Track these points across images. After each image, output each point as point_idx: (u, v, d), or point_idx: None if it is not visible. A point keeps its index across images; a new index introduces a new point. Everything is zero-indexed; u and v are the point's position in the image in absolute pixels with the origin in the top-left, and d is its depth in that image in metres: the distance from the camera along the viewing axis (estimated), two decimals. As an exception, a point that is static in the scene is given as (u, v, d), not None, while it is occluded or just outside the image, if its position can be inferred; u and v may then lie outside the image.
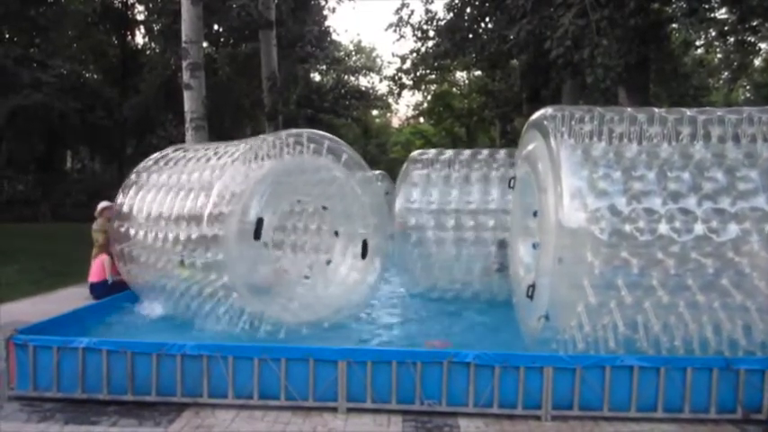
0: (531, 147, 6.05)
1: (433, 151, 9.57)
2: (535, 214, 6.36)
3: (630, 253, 5.09)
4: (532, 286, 5.64)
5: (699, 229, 5.10)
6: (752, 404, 4.88)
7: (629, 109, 5.81)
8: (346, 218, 7.54)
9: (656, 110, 5.71)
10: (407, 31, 20.41)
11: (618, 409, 4.86)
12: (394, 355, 5.05)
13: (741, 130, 5.41)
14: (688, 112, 5.60)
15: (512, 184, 6.92)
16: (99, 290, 8.55)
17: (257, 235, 6.47)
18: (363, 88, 29.18)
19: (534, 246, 6.40)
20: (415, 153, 9.71)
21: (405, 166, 9.36)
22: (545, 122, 5.58)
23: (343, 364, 4.94)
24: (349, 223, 7.55)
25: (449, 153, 9.34)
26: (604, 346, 5.14)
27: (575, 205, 5.12)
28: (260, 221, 6.55)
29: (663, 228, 5.10)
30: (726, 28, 16.71)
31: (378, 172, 15.24)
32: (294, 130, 6.94)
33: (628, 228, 5.10)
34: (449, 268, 8.63)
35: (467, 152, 9.31)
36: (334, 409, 4.95)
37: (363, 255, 7.26)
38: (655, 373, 4.85)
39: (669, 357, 4.98)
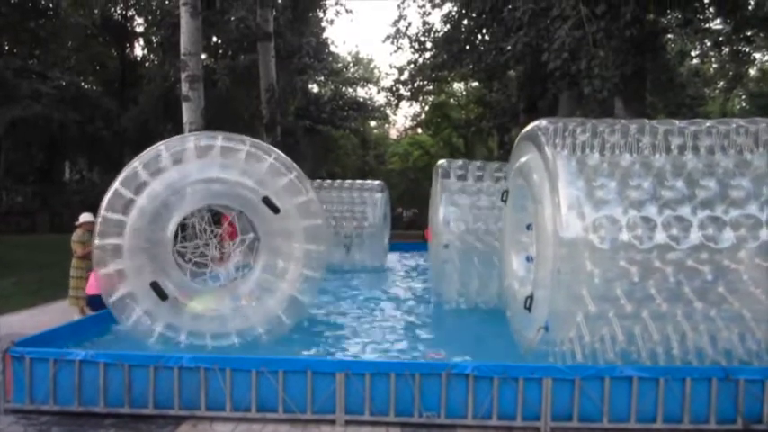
0: (524, 159, 6.06)
1: (460, 162, 9.53)
2: (528, 227, 6.36)
3: (629, 262, 5.11)
4: (530, 298, 5.63)
5: (695, 237, 5.14)
6: (752, 414, 4.87)
7: (621, 120, 5.86)
8: (265, 232, 6.77)
9: (648, 121, 5.77)
10: (405, 42, 20.47)
11: (617, 420, 4.85)
12: (392, 366, 5.04)
13: (730, 140, 5.47)
14: (679, 123, 5.68)
15: (504, 198, 6.88)
16: (99, 302, 8.40)
17: (162, 297, 6.22)
18: (361, 99, 29.26)
19: (528, 259, 6.40)
20: (443, 162, 9.55)
21: (438, 175, 9.24)
22: (539, 134, 5.61)
23: (341, 376, 4.93)
24: (267, 237, 6.77)
25: (477, 164, 9.36)
26: (603, 357, 5.14)
27: (572, 215, 5.14)
28: (154, 284, 6.23)
29: (660, 236, 5.13)
30: (720, 38, 16.85)
31: (377, 182, 15.22)
32: (210, 133, 6.65)
33: (626, 237, 5.13)
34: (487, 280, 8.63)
35: (494, 164, 9.37)
36: (333, 422, 4.93)
37: (275, 210, 6.46)
38: (654, 384, 4.84)
39: (668, 368, 4.98)
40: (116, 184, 6.28)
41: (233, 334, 6.46)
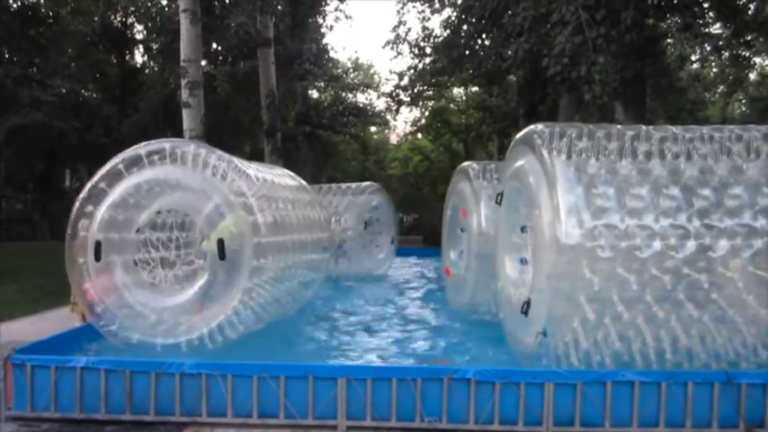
0: (519, 163, 6.05)
1: (486, 163, 9.23)
2: (523, 229, 6.37)
3: (627, 269, 5.13)
4: (527, 303, 5.62)
5: (691, 245, 5.19)
6: (754, 418, 4.86)
7: (618, 126, 5.89)
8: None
9: (644, 127, 5.80)
10: (404, 48, 20.45)
11: (620, 424, 4.84)
12: (394, 372, 5.03)
13: (723, 146, 5.51)
14: (674, 130, 5.71)
15: (498, 200, 6.87)
16: None
17: (97, 257, 6.19)
18: (361, 105, 29.23)
19: (522, 261, 6.39)
20: (473, 165, 9.10)
21: (472, 178, 8.80)
22: (536, 138, 5.62)
23: (342, 382, 4.92)
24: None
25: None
26: (595, 360, 5.15)
27: (572, 222, 5.15)
28: (98, 244, 6.21)
29: (657, 244, 5.17)
30: (720, 43, 16.86)
31: (375, 184, 15.03)
32: (157, 141, 6.62)
33: (624, 244, 5.16)
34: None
35: None
36: (334, 428, 4.92)
37: (221, 256, 6.29)
38: (656, 388, 4.83)
39: (670, 372, 4.98)
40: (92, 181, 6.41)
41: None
